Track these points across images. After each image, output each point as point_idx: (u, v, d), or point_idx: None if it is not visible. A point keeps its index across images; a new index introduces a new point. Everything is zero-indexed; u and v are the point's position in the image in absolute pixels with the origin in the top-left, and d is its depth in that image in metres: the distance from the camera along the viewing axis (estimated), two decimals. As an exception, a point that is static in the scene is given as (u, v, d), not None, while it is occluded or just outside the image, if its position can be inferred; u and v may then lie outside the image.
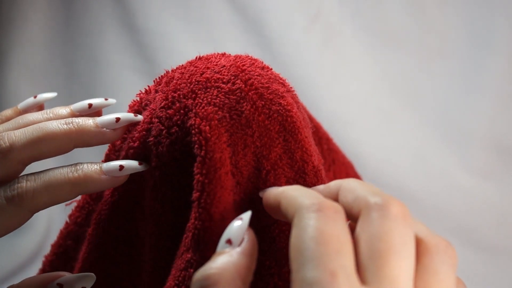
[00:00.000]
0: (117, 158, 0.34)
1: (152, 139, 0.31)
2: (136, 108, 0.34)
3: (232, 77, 0.31)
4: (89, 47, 0.80)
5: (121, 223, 0.34)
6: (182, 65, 0.34)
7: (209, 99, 0.30)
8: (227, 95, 0.31)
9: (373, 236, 0.23)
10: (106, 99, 0.34)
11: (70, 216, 0.37)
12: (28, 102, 0.37)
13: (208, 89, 0.31)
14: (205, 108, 0.30)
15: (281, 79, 0.34)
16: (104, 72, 0.81)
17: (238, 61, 0.33)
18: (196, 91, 0.31)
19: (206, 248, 0.29)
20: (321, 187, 0.30)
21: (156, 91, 0.33)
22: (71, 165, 0.31)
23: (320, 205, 0.24)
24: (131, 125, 0.33)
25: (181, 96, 0.31)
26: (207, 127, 0.29)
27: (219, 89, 0.31)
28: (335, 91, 0.78)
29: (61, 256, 0.37)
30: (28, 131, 0.31)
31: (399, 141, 0.78)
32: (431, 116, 0.78)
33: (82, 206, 0.37)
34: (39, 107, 0.37)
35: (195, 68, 0.32)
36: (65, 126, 0.31)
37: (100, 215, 0.34)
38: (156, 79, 0.34)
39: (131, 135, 0.33)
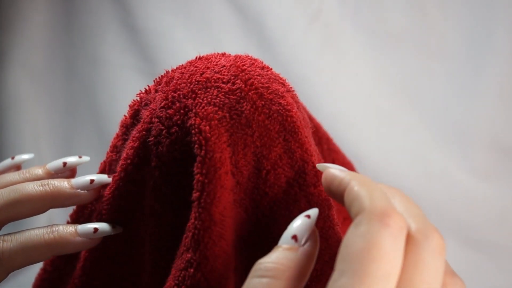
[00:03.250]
0: (118, 158, 0.35)
1: (152, 139, 0.31)
2: (136, 107, 0.34)
3: (232, 77, 0.31)
4: (89, 47, 0.80)
5: (121, 223, 0.34)
6: (182, 65, 0.34)
7: (209, 99, 0.30)
8: (227, 95, 0.31)
9: (411, 265, 0.24)
10: (80, 157, 0.36)
11: (71, 216, 0.38)
12: (5, 163, 0.38)
13: (208, 89, 0.31)
14: (205, 108, 0.30)
15: (281, 79, 0.34)
16: (104, 72, 0.81)
17: (238, 61, 0.33)
18: (196, 91, 0.31)
19: (206, 248, 0.29)
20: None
21: (156, 91, 0.33)
22: (47, 226, 0.32)
23: (388, 216, 0.24)
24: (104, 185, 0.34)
25: (181, 96, 0.31)
26: (207, 127, 0.29)
27: (219, 89, 0.31)
28: (335, 91, 0.78)
29: (63, 255, 0.37)
30: (5, 193, 0.32)
31: (399, 141, 0.78)
32: (431, 116, 0.78)
33: (83, 205, 0.37)
34: (17, 167, 0.38)
35: (195, 68, 0.32)
36: (41, 188, 0.33)
37: (101, 215, 0.34)
38: (156, 79, 0.35)
39: (132, 135, 0.33)
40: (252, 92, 0.31)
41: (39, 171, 0.35)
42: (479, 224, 0.75)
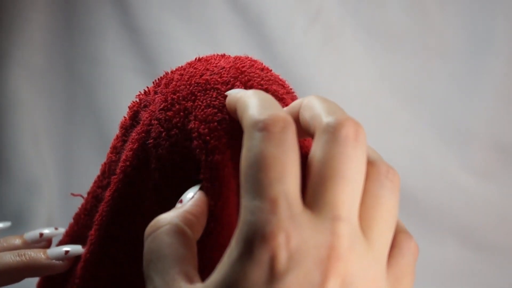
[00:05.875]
0: (117, 159, 0.35)
1: (151, 141, 0.31)
2: (136, 109, 0.34)
3: (232, 79, 0.31)
4: (89, 47, 0.80)
5: (122, 224, 0.34)
6: (182, 67, 0.34)
7: (209, 101, 0.30)
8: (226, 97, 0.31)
9: (321, 160, 0.23)
10: (56, 229, 0.38)
11: (75, 217, 0.38)
12: None
13: (208, 91, 0.31)
14: (205, 110, 0.30)
15: (281, 80, 0.34)
16: (104, 72, 0.81)
17: (238, 63, 0.32)
18: (196, 93, 0.31)
19: (211, 252, 0.29)
20: (285, 108, 0.28)
21: (155, 93, 0.33)
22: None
23: (266, 122, 0.23)
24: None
25: (181, 98, 0.31)
26: (207, 130, 0.29)
27: (218, 91, 0.31)
28: (335, 91, 0.78)
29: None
30: None
31: (399, 141, 0.78)
32: (430, 116, 0.79)
33: (89, 209, 0.37)
34: None
35: (194, 70, 0.32)
36: (18, 258, 0.34)
37: (101, 217, 0.34)
38: (155, 80, 0.34)
39: (131, 137, 0.33)
40: (252, 93, 0.31)
41: (16, 240, 0.37)
42: (478, 223, 0.76)
